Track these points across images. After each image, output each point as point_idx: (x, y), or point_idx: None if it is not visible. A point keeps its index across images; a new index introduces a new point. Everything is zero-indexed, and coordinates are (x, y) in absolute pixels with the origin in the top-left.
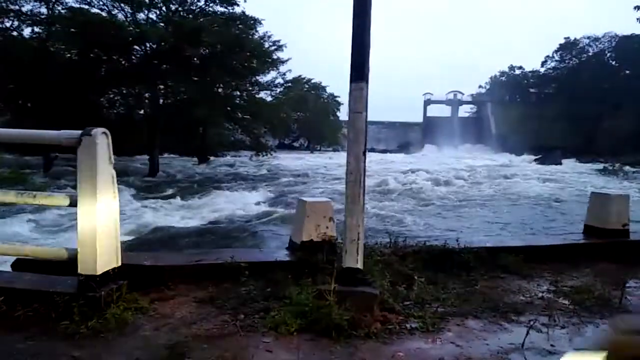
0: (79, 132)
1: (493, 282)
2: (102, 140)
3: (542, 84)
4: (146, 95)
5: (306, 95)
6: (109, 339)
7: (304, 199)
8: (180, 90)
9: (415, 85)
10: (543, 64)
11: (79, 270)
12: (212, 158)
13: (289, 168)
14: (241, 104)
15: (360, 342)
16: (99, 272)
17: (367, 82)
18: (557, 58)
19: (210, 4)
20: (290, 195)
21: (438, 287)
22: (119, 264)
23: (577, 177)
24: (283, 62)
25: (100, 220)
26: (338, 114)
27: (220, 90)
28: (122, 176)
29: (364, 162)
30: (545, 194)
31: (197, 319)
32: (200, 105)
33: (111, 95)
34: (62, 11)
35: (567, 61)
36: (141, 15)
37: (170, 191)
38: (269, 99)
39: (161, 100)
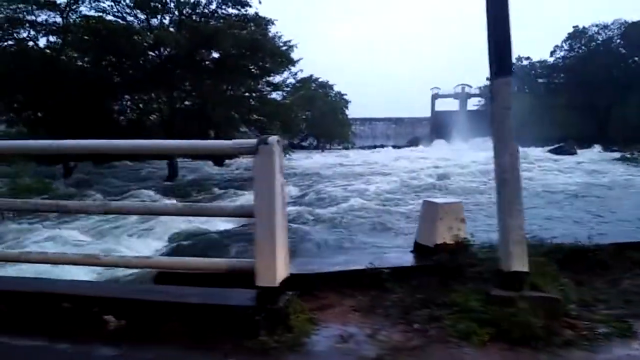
0: (255, 141)
1: (637, 280)
2: (277, 148)
3: (552, 74)
4: (162, 99)
5: (315, 94)
6: (306, 353)
7: (434, 200)
8: (195, 94)
9: (422, 80)
10: (552, 53)
11: (258, 282)
12: (226, 160)
13: (304, 167)
14: (256, 105)
15: (564, 351)
16: (278, 283)
17: (511, 75)
18: (566, 47)
19: (223, 7)
20: (319, 194)
21: (587, 288)
22: (289, 273)
23: (600, 166)
24: (296, 62)
25: (278, 230)
26: (347, 112)
27: (235, 92)
28: (143, 180)
29: (518, 159)
30: (579, 184)
31: (374, 330)
32: (215, 108)
33: (126, 102)
34: (77, 20)
35: (576, 50)
36: (154, 21)
37: (193, 194)
38: (279, 99)
39: (177, 104)
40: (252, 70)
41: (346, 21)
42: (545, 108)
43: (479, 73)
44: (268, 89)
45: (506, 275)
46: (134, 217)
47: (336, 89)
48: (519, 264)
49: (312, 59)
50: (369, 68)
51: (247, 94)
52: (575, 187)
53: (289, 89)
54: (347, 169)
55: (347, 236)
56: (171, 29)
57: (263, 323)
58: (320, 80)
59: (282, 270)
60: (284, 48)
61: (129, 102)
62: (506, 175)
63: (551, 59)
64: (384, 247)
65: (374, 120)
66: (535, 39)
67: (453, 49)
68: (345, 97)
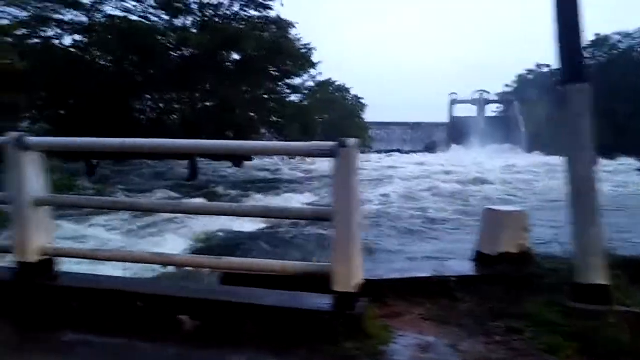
0: (334, 143)
1: None
2: (356, 151)
3: None
4: (183, 99)
5: (332, 98)
6: None
7: (497, 208)
8: (216, 95)
9: (438, 86)
10: None
11: (335, 287)
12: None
13: (323, 170)
14: (276, 108)
15: None
16: (354, 288)
17: (585, 81)
18: (587, 55)
19: (245, 9)
20: None
21: None
22: (364, 279)
23: (629, 177)
24: (316, 64)
25: (355, 234)
26: (363, 115)
27: (256, 94)
28: (165, 180)
29: (595, 167)
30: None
31: (453, 341)
32: (236, 109)
33: (147, 101)
34: (101, 20)
35: (597, 58)
36: (177, 22)
37: (215, 195)
38: (297, 101)
39: (198, 105)
40: (273, 72)
41: (362, 24)
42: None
43: (497, 79)
44: (287, 91)
45: (585, 288)
46: (160, 216)
47: (353, 92)
48: (599, 276)
49: (328, 62)
50: (384, 72)
51: (267, 96)
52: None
53: (307, 91)
54: (368, 172)
55: (394, 241)
56: (193, 31)
57: (341, 329)
58: (337, 83)
59: (358, 275)
60: (304, 51)
61: (150, 102)
62: (583, 184)
63: None
64: (429, 253)
65: (390, 124)
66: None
67: (470, 54)
68: (362, 100)
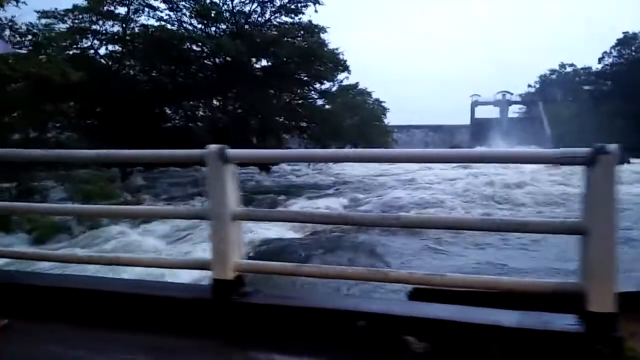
0: (590, 149)
1: None
2: (616, 158)
3: (598, 81)
4: (217, 106)
5: (354, 101)
6: None
7: None
8: (248, 101)
9: (459, 88)
10: (600, 60)
11: (590, 307)
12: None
13: (352, 175)
14: (304, 112)
15: None
16: (613, 308)
17: None
18: (615, 54)
19: (277, 15)
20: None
21: None
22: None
23: None
24: (348, 69)
25: (615, 250)
26: (385, 120)
27: (288, 99)
28: (198, 186)
29: None
30: None
31: None
32: (268, 115)
33: (178, 109)
34: (135, 29)
35: (625, 57)
36: (207, 29)
37: (247, 200)
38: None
39: (229, 111)
40: (304, 77)
41: (381, 27)
42: (592, 116)
43: (518, 81)
44: (314, 96)
45: None
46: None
47: (374, 95)
48: None
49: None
50: (403, 74)
51: (299, 100)
52: None
53: (334, 95)
54: (398, 177)
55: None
56: (227, 37)
57: (606, 351)
58: (359, 87)
59: (615, 293)
60: (339, 56)
61: (180, 110)
62: None
63: (599, 66)
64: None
65: (411, 127)
66: (579, 46)
67: (490, 55)
68: (383, 104)
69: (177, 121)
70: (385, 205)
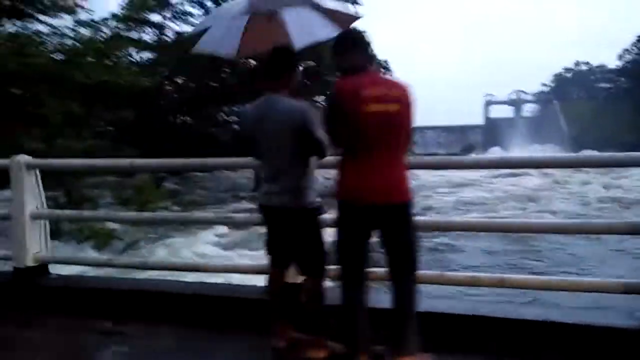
0: None
1: None
2: None
3: (617, 78)
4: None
5: None
6: None
7: None
8: None
9: (469, 88)
10: (620, 57)
11: None
12: None
13: None
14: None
15: None
16: None
17: None
18: (636, 51)
19: None
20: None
21: None
22: None
23: None
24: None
25: None
26: None
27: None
28: (232, 190)
29: None
30: None
31: None
32: None
33: (205, 115)
34: (169, 37)
35: None
36: None
37: None
38: None
39: None
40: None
41: (391, 27)
42: (610, 114)
43: (530, 80)
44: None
45: None
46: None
47: None
48: None
49: None
50: (414, 75)
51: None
52: None
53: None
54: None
55: None
56: None
57: None
58: None
59: None
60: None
61: (206, 117)
62: None
63: (619, 63)
64: None
65: (423, 128)
66: (592, 45)
67: (504, 54)
68: None
69: (203, 127)
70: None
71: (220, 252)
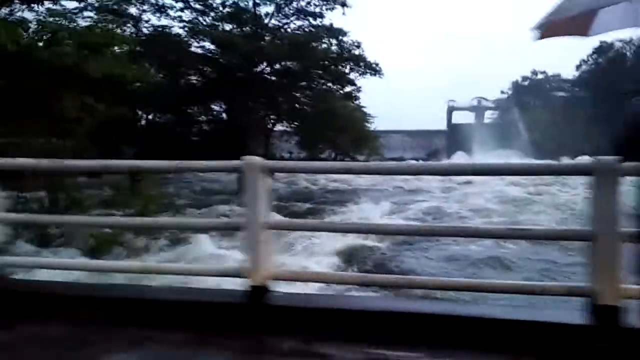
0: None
1: None
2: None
3: (573, 87)
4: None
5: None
6: None
7: None
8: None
9: (432, 93)
10: (578, 67)
11: None
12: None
13: (368, 183)
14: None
15: None
16: None
17: None
18: (591, 62)
19: (301, 17)
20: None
21: None
22: None
23: None
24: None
25: None
26: (368, 125)
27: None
28: (217, 194)
29: None
30: None
31: None
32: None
33: (196, 114)
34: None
35: (599, 64)
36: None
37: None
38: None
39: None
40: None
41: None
42: (568, 121)
43: (490, 87)
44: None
45: None
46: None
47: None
48: None
49: None
50: (381, 82)
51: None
52: None
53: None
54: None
55: None
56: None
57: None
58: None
59: None
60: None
61: (199, 114)
62: None
63: (575, 73)
64: None
65: (388, 132)
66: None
67: (463, 61)
68: (363, 109)
69: (197, 126)
70: (426, 214)
71: None
